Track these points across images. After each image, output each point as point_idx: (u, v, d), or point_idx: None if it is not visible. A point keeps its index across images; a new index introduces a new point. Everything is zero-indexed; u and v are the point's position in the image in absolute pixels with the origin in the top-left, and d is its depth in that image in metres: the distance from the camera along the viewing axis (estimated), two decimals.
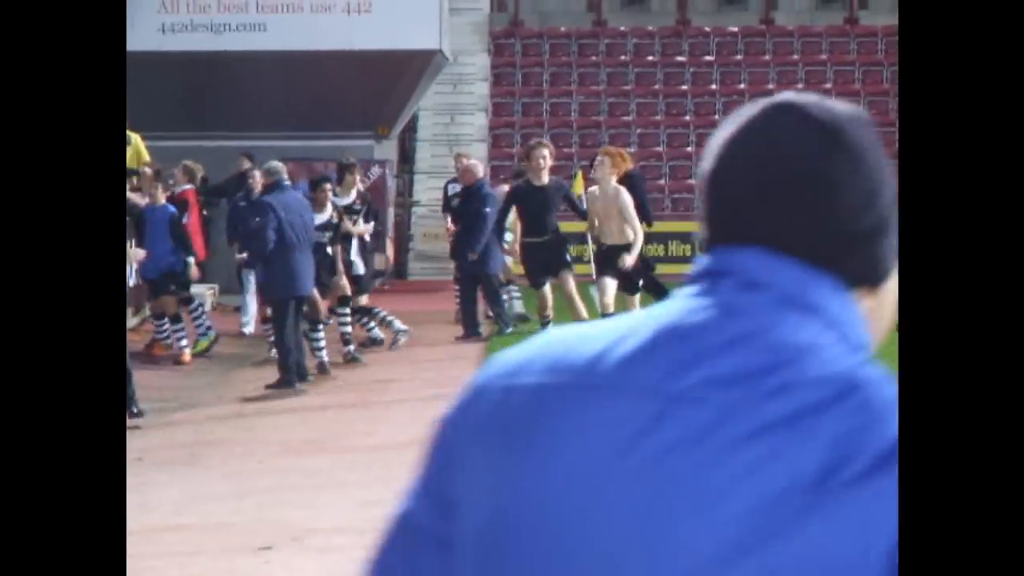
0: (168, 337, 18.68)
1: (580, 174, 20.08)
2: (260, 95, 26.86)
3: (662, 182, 33.65)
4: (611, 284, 15.61)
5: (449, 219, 21.69)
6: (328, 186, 17.66)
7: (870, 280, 1.83)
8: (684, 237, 31.09)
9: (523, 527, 1.75)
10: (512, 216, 18.32)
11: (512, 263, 20.50)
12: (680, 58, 36.20)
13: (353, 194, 18.43)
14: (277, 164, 16.65)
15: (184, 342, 18.45)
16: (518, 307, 21.05)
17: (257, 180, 19.42)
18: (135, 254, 17.28)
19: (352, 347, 17.94)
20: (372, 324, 19.11)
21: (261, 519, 10.03)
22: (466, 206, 20.07)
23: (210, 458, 12.37)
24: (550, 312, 17.36)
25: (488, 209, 19.71)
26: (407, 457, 12.65)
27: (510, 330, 19.74)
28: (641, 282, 15.96)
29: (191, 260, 18.25)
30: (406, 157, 33.99)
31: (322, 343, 17.06)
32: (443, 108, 34.33)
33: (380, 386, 16.26)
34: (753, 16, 37.03)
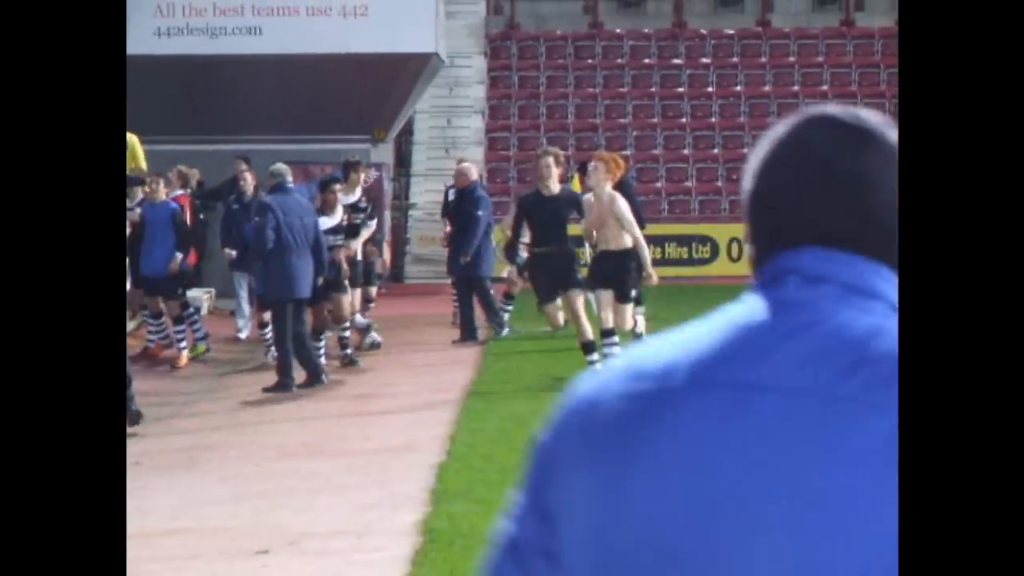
0: (167, 337, 18.72)
1: (577, 177, 20.06)
2: (256, 99, 26.87)
3: (659, 184, 33.64)
4: (607, 296, 15.39)
5: (448, 223, 21.66)
6: (338, 187, 17.58)
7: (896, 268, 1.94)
8: (681, 240, 31.09)
9: (633, 536, 1.82)
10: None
11: (496, 263, 20.44)
12: (676, 60, 36.20)
13: (358, 192, 18.37)
14: (281, 166, 16.71)
15: (183, 343, 18.50)
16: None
17: (249, 182, 19.45)
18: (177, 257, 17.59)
19: (350, 350, 17.94)
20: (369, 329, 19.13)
21: (258, 523, 10.02)
22: (459, 208, 20.05)
23: (207, 462, 12.36)
24: (560, 323, 17.24)
25: (480, 212, 19.67)
26: (404, 461, 12.60)
27: (505, 332, 19.70)
28: (634, 292, 15.73)
29: (179, 256, 18.30)
30: (402, 160, 33.98)
31: (322, 350, 17.09)
32: (439, 111, 34.33)
33: (377, 390, 16.25)
34: (749, 18, 37.03)
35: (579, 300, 15.77)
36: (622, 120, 35.15)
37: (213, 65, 26.19)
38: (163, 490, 11.16)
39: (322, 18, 26.39)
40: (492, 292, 20.22)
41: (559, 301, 16.32)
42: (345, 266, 17.37)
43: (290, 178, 16.67)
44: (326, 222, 17.11)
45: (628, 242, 15.41)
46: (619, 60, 36.29)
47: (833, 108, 1.97)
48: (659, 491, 1.81)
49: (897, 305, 1.87)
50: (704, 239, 31.24)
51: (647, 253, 15.57)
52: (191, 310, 19.01)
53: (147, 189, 18.75)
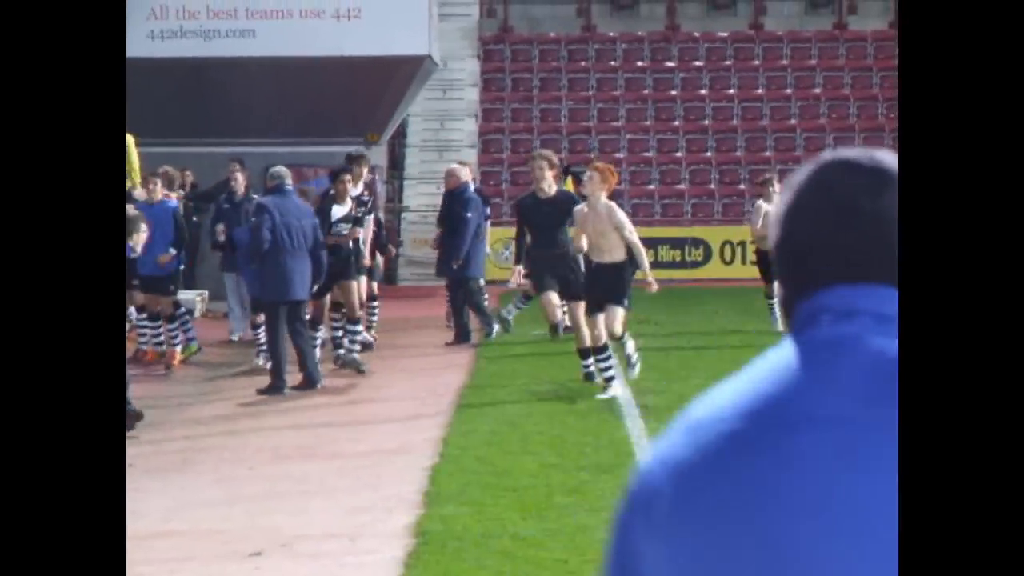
0: (161, 337, 18.76)
1: (570, 180, 20.05)
2: (250, 101, 26.86)
3: (652, 187, 33.65)
4: (601, 318, 15.14)
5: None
6: (348, 177, 17.77)
7: None
8: (674, 242, 31.11)
9: None
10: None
11: (488, 263, 20.43)
12: (669, 63, 36.21)
13: (361, 186, 18.46)
14: (282, 169, 16.82)
15: (177, 340, 18.60)
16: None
17: (240, 182, 19.47)
18: (140, 238, 17.19)
19: (343, 351, 17.93)
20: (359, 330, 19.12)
21: (252, 525, 10.03)
22: (449, 210, 20.05)
23: (201, 464, 12.36)
24: (558, 317, 17.17)
25: (469, 214, 19.65)
26: (397, 463, 12.59)
27: (497, 329, 19.63)
28: (627, 300, 15.35)
29: (172, 251, 18.36)
30: (396, 163, 33.98)
31: (318, 342, 17.15)
32: (433, 114, 34.33)
33: (370, 392, 16.25)
34: (742, 21, 37.05)
35: (581, 308, 15.69)
36: (615, 123, 35.17)
37: (207, 68, 26.19)
38: (156, 492, 11.16)
39: (315, 21, 26.38)
40: (484, 292, 20.20)
41: (556, 298, 16.32)
42: (364, 249, 17.69)
43: (290, 181, 16.75)
44: (338, 211, 17.46)
45: (623, 254, 15.04)
46: (612, 63, 36.30)
47: (849, 152, 2.06)
48: (766, 552, 1.87)
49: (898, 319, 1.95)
50: (697, 242, 31.25)
51: (647, 262, 15.28)
52: (183, 310, 19.06)
53: (143, 192, 18.82)
